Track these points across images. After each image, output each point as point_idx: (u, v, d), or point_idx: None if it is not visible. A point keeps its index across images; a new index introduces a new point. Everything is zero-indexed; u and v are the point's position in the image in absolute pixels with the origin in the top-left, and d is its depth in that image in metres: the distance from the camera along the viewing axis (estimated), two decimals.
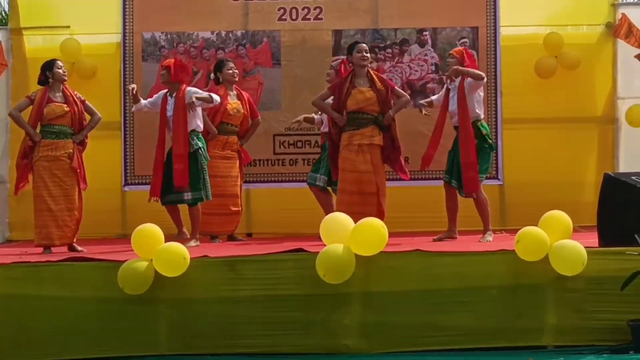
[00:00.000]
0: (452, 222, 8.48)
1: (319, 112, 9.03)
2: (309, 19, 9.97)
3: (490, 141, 8.46)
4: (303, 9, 9.96)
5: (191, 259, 6.84)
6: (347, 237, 6.83)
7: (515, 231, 7.05)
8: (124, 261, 6.87)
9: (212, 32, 10.00)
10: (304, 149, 9.83)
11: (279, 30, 9.98)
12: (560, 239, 6.81)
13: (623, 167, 9.84)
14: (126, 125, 9.78)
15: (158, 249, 6.87)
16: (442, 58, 9.92)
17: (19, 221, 9.96)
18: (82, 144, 8.50)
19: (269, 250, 7.33)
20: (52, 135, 8.35)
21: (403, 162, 8.60)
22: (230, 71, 9.04)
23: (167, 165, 8.57)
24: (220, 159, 8.92)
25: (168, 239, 7.08)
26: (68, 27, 10.05)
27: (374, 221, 6.98)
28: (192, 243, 8.25)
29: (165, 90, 8.77)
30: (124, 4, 9.88)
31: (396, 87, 8.75)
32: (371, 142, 8.34)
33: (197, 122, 8.59)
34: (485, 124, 8.51)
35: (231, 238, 9.13)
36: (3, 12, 17.41)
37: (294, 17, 9.96)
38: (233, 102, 9.03)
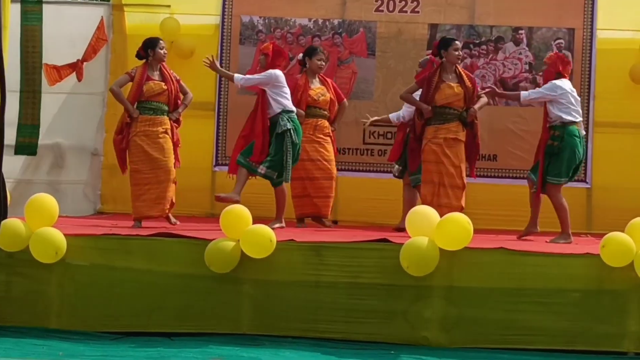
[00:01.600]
0: (534, 216, 8.38)
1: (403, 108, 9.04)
2: (406, 12, 10.00)
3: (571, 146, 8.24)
4: (400, 1, 9.99)
5: (277, 241, 6.96)
6: (432, 230, 6.87)
7: (600, 235, 7.05)
8: (212, 240, 7.01)
9: (310, 19, 10.10)
10: (393, 141, 9.86)
11: (376, 21, 10.03)
12: None
13: None
14: (220, 106, 9.97)
15: (245, 230, 7.00)
16: (536, 57, 9.89)
17: (110, 194, 10.21)
18: (177, 122, 8.67)
19: (354, 238, 7.41)
20: (150, 112, 8.52)
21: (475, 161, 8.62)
22: (319, 62, 9.06)
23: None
24: (309, 143, 8.96)
25: (256, 221, 7.19)
26: (168, 6, 10.22)
27: (459, 216, 7.01)
28: (277, 224, 8.33)
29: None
30: None
31: (479, 88, 8.72)
32: (456, 137, 8.38)
33: (284, 102, 8.56)
34: (574, 128, 8.24)
35: (318, 220, 9.10)
36: None
37: (391, 8, 10.00)
38: (316, 88, 9.06)
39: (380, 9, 10.02)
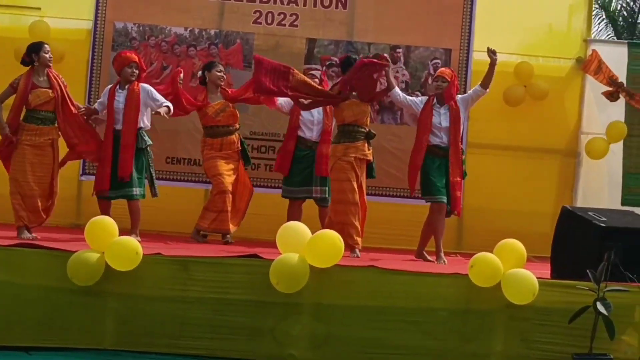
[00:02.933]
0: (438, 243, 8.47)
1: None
2: (284, 25, 9.96)
3: None
4: (279, 14, 9.95)
5: (144, 255, 6.77)
6: (303, 246, 6.79)
7: (470, 256, 7.08)
8: (75, 251, 6.78)
9: (186, 29, 9.95)
10: (267, 154, 9.79)
11: (253, 33, 9.96)
12: (513, 267, 6.85)
13: (581, 202, 9.99)
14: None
15: (111, 242, 6.80)
16: (412, 76, 9.98)
17: None
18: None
19: (224, 253, 7.30)
20: (37, 121, 8.28)
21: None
22: (219, 74, 8.95)
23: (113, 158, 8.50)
24: (219, 159, 8.88)
25: (122, 232, 7.00)
26: (39, 8, 9.93)
27: (330, 233, 6.96)
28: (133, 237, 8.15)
29: (112, 85, 8.70)
30: None
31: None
32: (364, 157, 8.39)
33: (146, 120, 8.57)
34: None
35: (224, 237, 8.97)
36: None
37: (269, 21, 9.95)
38: (215, 105, 8.93)
39: (259, 21, 9.95)
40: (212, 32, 9.96)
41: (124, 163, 8.40)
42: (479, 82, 8.54)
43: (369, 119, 8.46)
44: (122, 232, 7.06)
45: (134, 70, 8.54)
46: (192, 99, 8.94)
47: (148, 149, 8.57)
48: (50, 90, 8.29)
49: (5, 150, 8.30)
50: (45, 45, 8.38)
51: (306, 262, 6.73)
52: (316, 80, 9.00)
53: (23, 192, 8.21)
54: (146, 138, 8.54)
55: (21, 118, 8.28)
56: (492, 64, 8.43)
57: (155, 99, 8.55)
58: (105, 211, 8.34)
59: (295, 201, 8.95)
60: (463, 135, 9.45)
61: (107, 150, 8.46)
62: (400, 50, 10.05)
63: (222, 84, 9.01)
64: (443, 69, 8.77)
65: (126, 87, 8.55)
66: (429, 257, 8.42)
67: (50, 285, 6.82)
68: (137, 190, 8.48)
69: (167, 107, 8.47)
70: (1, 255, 6.91)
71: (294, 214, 8.77)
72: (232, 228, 8.93)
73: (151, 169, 8.62)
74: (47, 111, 8.29)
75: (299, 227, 7.03)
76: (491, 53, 8.42)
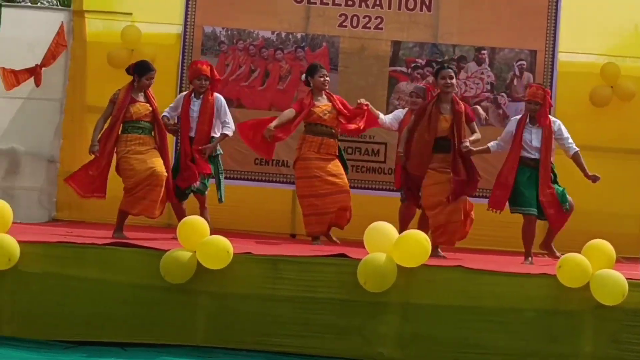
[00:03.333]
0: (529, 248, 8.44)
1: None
2: (369, 28, 10.02)
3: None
4: (364, 17, 10.02)
5: (234, 254, 6.90)
6: (391, 246, 6.86)
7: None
8: (168, 250, 6.94)
9: (273, 32, 10.08)
10: (354, 155, 9.88)
11: (339, 36, 10.05)
12: (602, 268, 6.80)
13: None
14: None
15: (202, 241, 6.94)
16: (497, 78, 9.96)
17: (66, 201, 10.08)
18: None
19: (312, 252, 7.39)
20: (139, 131, 8.48)
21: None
22: (322, 79, 8.91)
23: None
24: (316, 161, 8.86)
25: (213, 232, 7.14)
26: (130, 14, 10.17)
27: (417, 233, 7.01)
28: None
29: (186, 92, 8.89)
30: None
31: (473, 124, 8.56)
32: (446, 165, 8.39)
33: (217, 130, 8.75)
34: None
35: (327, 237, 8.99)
36: None
37: (354, 24, 10.02)
38: (322, 105, 8.93)
39: (344, 24, 10.03)
40: (299, 35, 10.08)
41: (201, 164, 8.57)
42: (573, 152, 8.48)
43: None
44: (215, 231, 7.18)
45: (203, 82, 8.69)
46: (301, 105, 8.96)
47: (219, 157, 8.77)
48: (148, 104, 8.51)
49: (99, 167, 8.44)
50: (151, 72, 8.54)
51: (393, 261, 6.79)
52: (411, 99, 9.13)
53: (135, 185, 8.33)
54: (217, 147, 8.75)
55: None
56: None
57: (223, 115, 8.76)
58: (180, 213, 8.55)
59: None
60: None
61: (184, 155, 8.63)
62: (485, 51, 10.04)
63: (326, 87, 9.00)
64: (534, 89, 8.51)
65: (201, 96, 8.72)
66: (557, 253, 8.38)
67: (144, 283, 6.99)
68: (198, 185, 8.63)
69: (226, 134, 8.72)
70: (96, 254, 7.11)
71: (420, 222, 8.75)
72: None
73: (220, 176, 8.76)
74: (147, 121, 8.49)
75: (386, 227, 7.09)
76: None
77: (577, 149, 8.49)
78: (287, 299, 6.91)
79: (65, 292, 7.02)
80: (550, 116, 8.47)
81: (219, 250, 6.89)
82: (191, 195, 8.70)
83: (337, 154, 8.98)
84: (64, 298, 7.01)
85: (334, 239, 8.92)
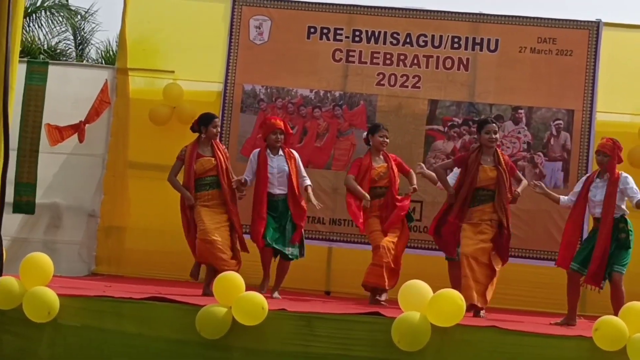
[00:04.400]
0: (572, 309, 8.27)
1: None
2: (407, 87, 10.13)
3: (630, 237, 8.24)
4: (402, 76, 10.13)
5: (269, 310, 6.94)
6: (425, 305, 6.85)
7: (594, 318, 7.01)
8: (203, 305, 6.99)
9: (311, 90, 10.21)
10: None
11: (376, 94, 10.15)
12: None
13: None
14: None
15: (238, 297, 6.97)
16: (534, 137, 9.98)
17: (105, 255, 10.22)
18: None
19: (346, 310, 7.40)
20: (206, 187, 8.62)
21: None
22: (381, 139, 9.00)
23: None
24: (376, 217, 8.92)
25: (249, 288, 7.18)
26: (172, 72, 10.36)
27: (451, 292, 6.99)
28: (276, 294, 8.41)
29: (258, 150, 8.95)
30: (229, 56, 10.21)
31: (517, 172, 8.80)
32: (490, 218, 8.45)
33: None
34: (629, 220, 8.28)
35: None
36: (111, 52, 18.01)
37: (392, 83, 10.13)
38: (378, 167, 8.99)
39: (382, 82, 10.14)
40: (337, 93, 10.20)
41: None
42: (636, 201, 8.19)
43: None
44: (250, 287, 7.24)
45: (279, 136, 8.81)
46: (358, 168, 9.01)
47: None
48: (213, 158, 8.63)
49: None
50: (215, 120, 8.72)
51: (428, 320, 6.78)
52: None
53: (212, 238, 8.43)
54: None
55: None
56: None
57: (303, 169, 8.96)
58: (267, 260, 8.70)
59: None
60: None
61: (262, 211, 8.70)
62: (522, 111, 10.08)
63: (384, 147, 9.07)
64: (604, 141, 8.46)
65: (278, 152, 8.84)
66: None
67: (179, 338, 7.02)
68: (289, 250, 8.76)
69: (310, 185, 8.90)
70: (133, 308, 7.18)
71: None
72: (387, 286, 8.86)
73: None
74: (212, 176, 8.61)
75: (421, 285, 7.08)
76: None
77: None
78: (321, 357, 6.90)
79: (102, 346, 7.07)
80: (621, 172, 8.35)
81: (254, 306, 6.91)
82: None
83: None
84: (102, 352, 7.07)
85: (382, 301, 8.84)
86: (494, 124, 8.60)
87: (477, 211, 8.46)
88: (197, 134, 8.72)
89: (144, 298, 7.37)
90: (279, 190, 8.79)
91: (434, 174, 8.95)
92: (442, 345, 6.83)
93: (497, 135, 8.57)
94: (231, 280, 7.11)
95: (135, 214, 8.84)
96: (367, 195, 8.83)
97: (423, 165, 9.32)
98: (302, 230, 8.83)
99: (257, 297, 6.99)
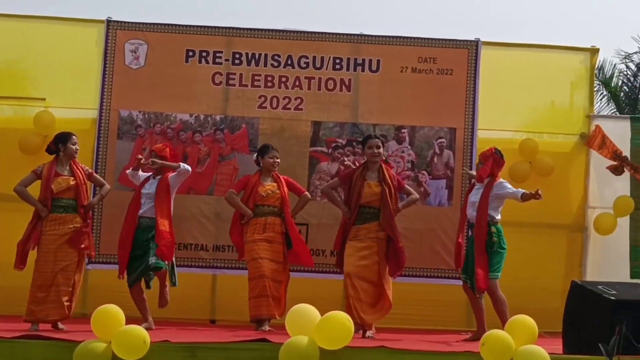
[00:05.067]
0: (479, 322, 8.40)
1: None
2: (289, 109, 10.03)
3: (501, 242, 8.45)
4: (284, 98, 10.03)
5: (152, 342, 6.68)
6: (313, 328, 6.71)
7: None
8: (81, 341, 6.69)
9: (191, 115, 10.01)
10: None
11: (259, 117, 10.03)
12: (525, 344, 6.73)
13: (590, 276, 9.91)
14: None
15: (118, 331, 6.71)
16: (418, 156, 10.01)
17: None
18: (87, 212, 8.52)
19: (232, 338, 7.23)
20: (60, 209, 8.37)
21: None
22: (272, 160, 8.95)
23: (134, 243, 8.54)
24: (260, 242, 8.77)
25: (129, 321, 6.92)
26: (43, 99, 10.00)
27: (339, 314, 6.88)
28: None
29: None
30: (103, 81, 9.93)
31: (406, 186, 8.89)
32: (377, 236, 8.45)
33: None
34: (499, 226, 8.50)
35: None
36: None
37: (274, 105, 10.02)
38: (267, 185, 8.91)
39: (264, 105, 10.03)
40: (218, 117, 10.03)
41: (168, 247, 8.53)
42: (522, 194, 8.49)
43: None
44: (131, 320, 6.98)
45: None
46: (244, 185, 8.97)
47: None
48: (71, 178, 8.38)
49: (24, 248, 8.31)
50: (73, 137, 8.52)
51: (316, 344, 6.64)
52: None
53: (46, 283, 8.22)
54: None
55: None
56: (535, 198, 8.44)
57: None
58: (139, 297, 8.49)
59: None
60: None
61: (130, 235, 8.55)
62: (405, 130, 10.10)
63: (275, 169, 9.01)
64: (485, 149, 8.79)
65: (157, 177, 8.77)
66: None
67: None
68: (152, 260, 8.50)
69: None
70: (5, 347, 6.83)
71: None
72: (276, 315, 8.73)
73: (173, 258, 8.65)
74: (69, 198, 8.37)
75: (308, 309, 6.95)
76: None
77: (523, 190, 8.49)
78: None
79: None
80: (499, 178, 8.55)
81: (135, 339, 6.65)
82: None
83: (282, 231, 8.89)
84: None
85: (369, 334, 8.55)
86: (377, 139, 8.74)
87: (362, 229, 8.47)
88: (53, 156, 8.51)
89: (16, 337, 7.06)
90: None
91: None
92: None
93: (381, 150, 8.65)
94: (110, 313, 6.83)
95: (6, 249, 8.47)
96: (249, 211, 8.75)
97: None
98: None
99: (138, 330, 6.73)
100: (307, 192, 9.22)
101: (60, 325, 8.24)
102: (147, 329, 7.80)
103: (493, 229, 8.40)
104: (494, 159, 8.59)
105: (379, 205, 8.50)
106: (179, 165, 8.73)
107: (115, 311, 6.85)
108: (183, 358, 6.78)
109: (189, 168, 8.82)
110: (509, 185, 8.62)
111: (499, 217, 8.49)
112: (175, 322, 8.93)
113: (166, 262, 8.50)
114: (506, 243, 8.48)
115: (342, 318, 6.81)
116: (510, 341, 6.67)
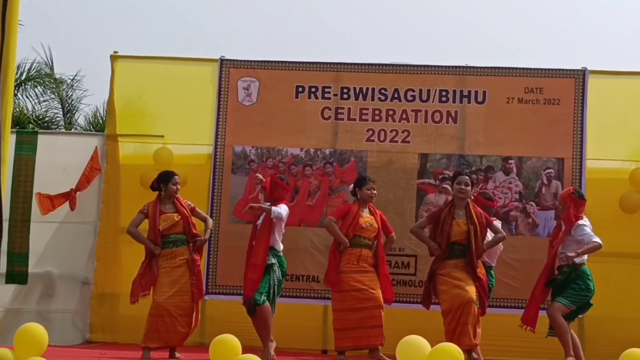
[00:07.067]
0: (565, 347, 8.29)
1: None
2: (397, 142, 10.16)
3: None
4: (391, 131, 10.17)
5: None
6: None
7: None
8: None
9: (301, 149, 10.24)
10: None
11: (367, 150, 10.18)
12: None
13: None
14: (211, 234, 9.93)
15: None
16: (526, 187, 10.00)
17: (99, 323, 10.14)
18: (199, 250, 8.75)
19: None
20: (170, 245, 8.62)
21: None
22: (369, 192, 9.00)
23: None
24: (354, 273, 8.86)
25: (245, 350, 7.11)
26: (162, 136, 10.38)
27: (450, 346, 6.92)
28: (273, 346, 8.31)
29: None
30: (218, 118, 10.24)
31: (494, 223, 8.79)
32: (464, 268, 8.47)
33: (277, 239, 8.80)
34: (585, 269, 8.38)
35: (372, 353, 8.84)
36: (100, 118, 18.08)
37: (382, 138, 10.17)
38: (366, 217, 8.98)
39: (372, 138, 10.18)
40: (327, 151, 10.22)
41: (250, 282, 8.66)
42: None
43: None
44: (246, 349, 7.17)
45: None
46: (344, 213, 9.01)
47: (273, 267, 8.74)
48: (175, 214, 8.63)
49: (139, 287, 8.60)
50: (175, 177, 8.75)
51: None
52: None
53: (165, 313, 8.45)
54: (269, 257, 8.75)
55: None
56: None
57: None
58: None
59: None
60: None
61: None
62: (512, 161, 10.11)
63: (373, 200, 9.07)
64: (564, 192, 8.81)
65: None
66: None
67: None
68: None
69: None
70: None
71: None
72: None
73: (274, 285, 8.72)
74: (177, 233, 8.62)
75: (418, 340, 7.03)
76: None
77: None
78: None
79: None
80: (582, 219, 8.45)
81: None
82: None
83: (374, 264, 8.94)
84: None
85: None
86: (467, 176, 8.69)
87: (451, 264, 8.50)
88: (157, 192, 8.77)
89: None
90: None
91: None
92: None
93: (469, 188, 8.61)
94: (227, 342, 7.05)
95: (128, 280, 8.79)
96: (346, 240, 8.80)
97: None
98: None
99: (254, 359, 6.91)
100: (393, 234, 9.19)
101: (177, 354, 8.48)
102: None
103: (565, 268, 8.32)
104: (572, 200, 8.46)
105: (467, 242, 8.50)
106: (271, 209, 8.75)
107: (232, 341, 7.06)
108: None
109: (282, 213, 8.80)
110: (587, 229, 8.39)
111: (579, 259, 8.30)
112: (288, 352, 9.09)
113: None
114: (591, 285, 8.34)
115: (452, 349, 6.86)
116: None
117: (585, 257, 8.33)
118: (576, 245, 8.28)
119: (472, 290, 8.37)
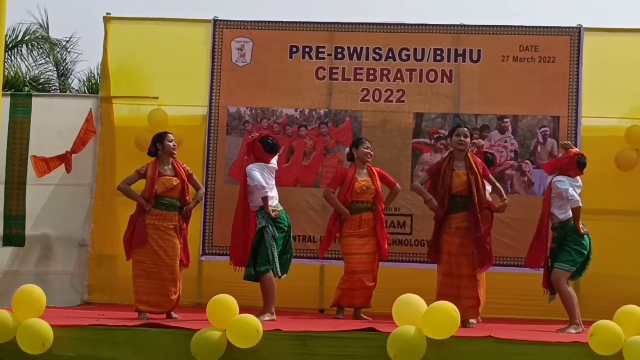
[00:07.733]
0: (570, 315, 8.26)
1: None
2: (391, 101, 10.15)
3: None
4: (386, 91, 10.15)
5: (264, 331, 6.92)
6: (420, 319, 6.84)
7: (589, 324, 7.00)
8: (198, 330, 6.98)
9: (296, 110, 10.22)
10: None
11: (361, 110, 10.17)
12: (635, 334, 6.72)
13: None
14: (207, 196, 9.96)
15: (232, 320, 6.96)
16: (521, 145, 10.00)
17: (97, 284, 10.21)
18: (187, 219, 8.65)
19: (341, 327, 7.39)
20: (162, 207, 8.49)
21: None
22: (366, 150, 9.05)
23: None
24: (354, 237, 8.96)
25: (242, 310, 7.16)
26: (156, 97, 10.35)
27: (446, 304, 6.98)
28: (266, 317, 8.25)
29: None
30: (212, 79, 10.23)
31: (490, 175, 8.69)
32: (465, 226, 8.39)
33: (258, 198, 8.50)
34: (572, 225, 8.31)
35: (356, 313, 9.04)
36: (94, 80, 18.04)
37: (376, 98, 10.16)
38: (362, 180, 9.00)
39: (366, 98, 10.16)
40: (322, 111, 10.21)
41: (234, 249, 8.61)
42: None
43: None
44: (243, 309, 7.20)
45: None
46: (340, 181, 9.05)
47: (266, 229, 8.54)
48: (175, 178, 8.57)
49: (128, 240, 8.52)
50: (169, 135, 8.64)
51: (423, 334, 6.77)
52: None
53: (145, 274, 8.38)
54: (258, 219, 8.54)
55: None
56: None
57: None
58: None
59: None
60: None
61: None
62: (507, 119, 10.11)
63: (369, 160, 9.11)
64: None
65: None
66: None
67: None
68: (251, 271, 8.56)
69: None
70: (127, 335, 7.19)
71: None
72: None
73: (270, 248, 8.55)
74: (172, 197, 8.53)
75: (414, 299, 7.08)
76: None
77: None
78: None
79: None
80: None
81: (248, 328, 6.90)
82: None
83: (375, 225, 8.99)
84: None
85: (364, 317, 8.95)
86: (465, 128, 8.61)
87: (455, 218, 8.40)
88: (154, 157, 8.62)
89: (137, 325, 7.39)
90: None
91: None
92: (438, 357, 6.82)
93: (468, 139, 8.49)
94: (225, 303, 7.10)
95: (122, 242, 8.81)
96: (347, 211, 8.88)
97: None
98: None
99: (252, 319, 6.97)
100: (398, 185, 9.24)
101: (174, 315, 8.49)
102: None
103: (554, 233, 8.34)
104: (571, 160, 8.41)
105: (468, 194, 8.39)
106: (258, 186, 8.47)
107: (229, 301, 7.11)
108: (294, 346, 7.01)
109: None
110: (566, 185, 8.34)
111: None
112: (285, 311, 9.12)
113: None
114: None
115: (448, 308, 6.92)
116: (619, 332, 6.67)
117: (569, 212, 8.27)
118: (558, 200, 8.26)
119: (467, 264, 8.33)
